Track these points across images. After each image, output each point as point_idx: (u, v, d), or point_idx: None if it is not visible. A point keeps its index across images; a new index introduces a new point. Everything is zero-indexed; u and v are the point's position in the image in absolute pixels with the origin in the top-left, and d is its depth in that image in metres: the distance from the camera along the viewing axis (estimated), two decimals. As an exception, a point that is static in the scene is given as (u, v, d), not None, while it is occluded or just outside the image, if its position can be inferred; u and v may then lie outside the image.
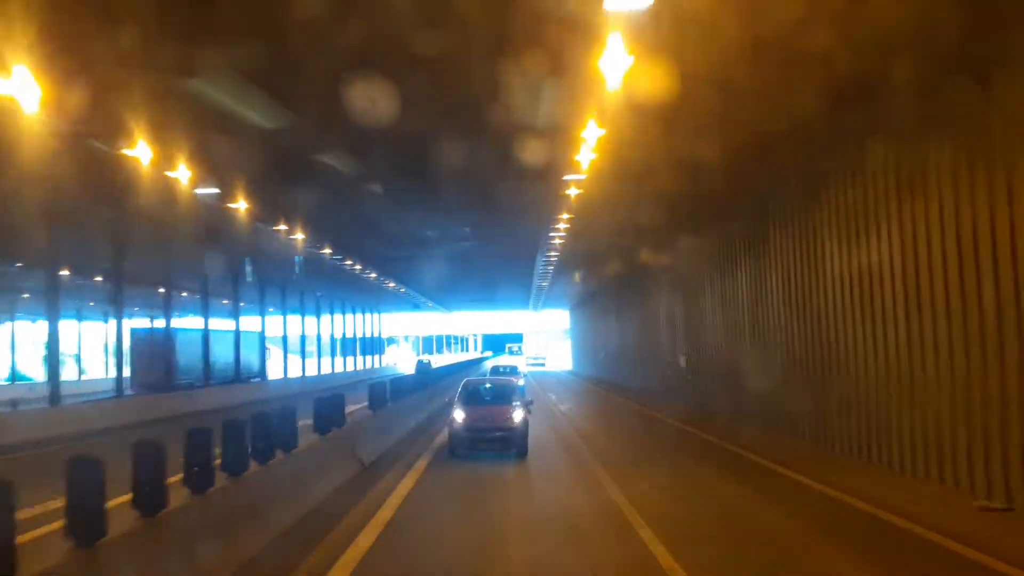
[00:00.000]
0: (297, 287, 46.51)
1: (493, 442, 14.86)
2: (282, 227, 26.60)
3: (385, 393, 17.49)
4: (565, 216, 23.55)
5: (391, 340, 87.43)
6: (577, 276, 44.79)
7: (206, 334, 36.82)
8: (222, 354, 39.26)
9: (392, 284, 49.87)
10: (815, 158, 14.69)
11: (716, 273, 22.86)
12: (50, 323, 24.84)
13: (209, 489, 7.38)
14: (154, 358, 33.01)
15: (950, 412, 10.62)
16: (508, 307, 72.86)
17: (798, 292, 16.44)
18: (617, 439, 19.89)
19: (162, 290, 35.99)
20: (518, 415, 15.12)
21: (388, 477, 12.93)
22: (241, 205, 21.86)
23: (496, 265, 41.73)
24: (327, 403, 12.92)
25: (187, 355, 36.20)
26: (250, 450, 8.73)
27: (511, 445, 14.90)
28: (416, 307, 69.18)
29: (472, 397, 15.97)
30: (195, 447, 7.32)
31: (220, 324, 43.44)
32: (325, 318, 57.84)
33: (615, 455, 16.29)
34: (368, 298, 61.35)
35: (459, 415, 15.15)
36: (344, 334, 63.32)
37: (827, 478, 11.92)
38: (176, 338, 36.05)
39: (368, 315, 69.97)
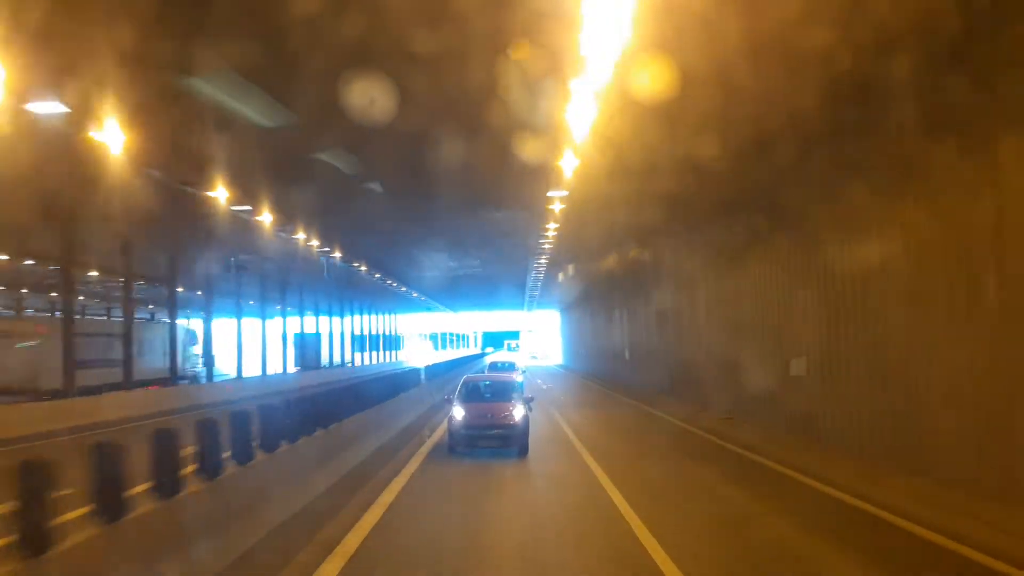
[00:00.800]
0: (344, 297, 60.30)
1: (493, 440, 14.78)
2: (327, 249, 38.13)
3: (434, 372, 30.16)
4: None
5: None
6: (560, 277, 55.39)
7: (331, 335, 58.09)
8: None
9: (415, 294, 64.83)
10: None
11: (643, 291, 34.15)
12: (238, 326, 38.30)
13: (368, 410, 17.11)
14: (308, 349, 53.94)
15: (719, 377, 22.31)
16: (506, 308, 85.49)
17: (675, 311, 28.26)
18: (569, 399, 32.65)
19: (252, 302, 49.71)
20: (518, 412, 15.02)
21: (441, 415, 24.76)
22: (304, 237, 32.63)
23: (496, 277, 53.95)
24: (411, 374, 25.33)
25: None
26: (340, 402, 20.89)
27: (511, 443, 14.84)
28: (429, 309, 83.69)
29: (471, 394, 16.01)
30: (364, 391, 17.75)
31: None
32: (355, 320, 71.01)
33: (565, 405, 28.51)
34: (393, 303, 75.37)
35: (458, 412, 15.01)
36: (378, 333, 79.69)
37: (664, 409, 24.26)
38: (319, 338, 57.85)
39: (391, 316, 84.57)
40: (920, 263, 11.11)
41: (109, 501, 5.68)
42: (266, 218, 26.37)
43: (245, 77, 14.07)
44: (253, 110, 15.67)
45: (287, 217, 27.27)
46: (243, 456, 8.66)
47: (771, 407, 17.25)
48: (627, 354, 39.39)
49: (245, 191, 22.01)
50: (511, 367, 32.76)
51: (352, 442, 14.07)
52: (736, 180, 16.96)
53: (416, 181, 21.81)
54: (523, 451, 14.98)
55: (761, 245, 17.98)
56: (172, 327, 34.24)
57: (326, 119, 15.67)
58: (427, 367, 31.72)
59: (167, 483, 6.59)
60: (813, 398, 14.92)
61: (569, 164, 18.46)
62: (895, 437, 11.95)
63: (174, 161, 18.16)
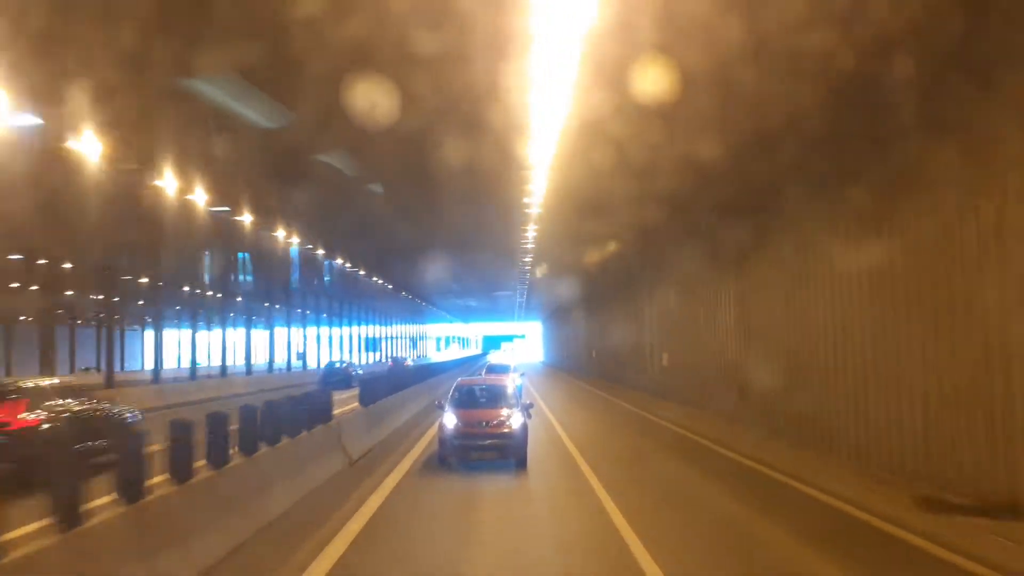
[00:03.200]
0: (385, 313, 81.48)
1: (488, 450, 13.27)
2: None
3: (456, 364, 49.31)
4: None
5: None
6: (539, 296, 77.74)
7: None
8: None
9: (439, 311, 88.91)
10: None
11: (596, 308, 49.26)
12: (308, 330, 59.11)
13: (415, 385, 28.65)
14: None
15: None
16: (502, 319, 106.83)
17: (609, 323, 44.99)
18: (540, 380, 49.92)
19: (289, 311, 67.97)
20: (516, 420, 13.43)
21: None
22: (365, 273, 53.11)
23: (496, 297, 73.29)
24: (459, 363, 44.19)
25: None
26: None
27: (508, 454, 13.26)
28: (449, 321, 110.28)
29: (465, 400, 14.38)
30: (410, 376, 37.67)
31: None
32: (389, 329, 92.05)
33: (536, 383, 45.36)
34: (420, 318, 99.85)
35: (450, 420, 13.37)
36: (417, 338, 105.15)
37: (609, 391, 41.02)
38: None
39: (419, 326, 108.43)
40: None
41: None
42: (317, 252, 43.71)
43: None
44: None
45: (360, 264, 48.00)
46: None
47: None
48: (564, 351, 63.16)
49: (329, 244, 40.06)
50: (507, 369, 33.68)
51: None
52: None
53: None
54: (521, 463, 13.35)
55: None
56: None
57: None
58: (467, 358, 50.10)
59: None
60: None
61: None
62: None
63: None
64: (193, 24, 11.32)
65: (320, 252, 44.94)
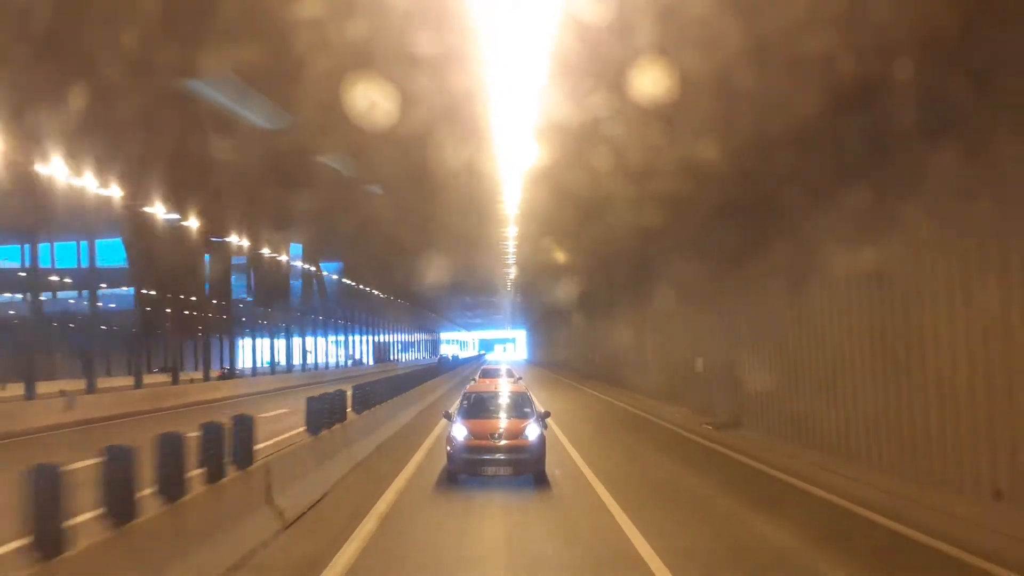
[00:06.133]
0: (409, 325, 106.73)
1: (501, 465, 11.92)
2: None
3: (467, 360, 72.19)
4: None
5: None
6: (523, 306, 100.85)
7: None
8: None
9: (448, 322, 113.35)
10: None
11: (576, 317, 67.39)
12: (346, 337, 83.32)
13: (441, 375, 50.27)
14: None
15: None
16: (496, 328, 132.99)
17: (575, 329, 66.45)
18: (524, 371, 68.49)
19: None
20: (532, 431, 12.26)
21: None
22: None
23: (492, 316, 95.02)
24: (475, 359, 68.92)
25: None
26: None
27: (524, 468, 12.03)
28: (457, 330, 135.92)
29: (475, 409, 13.16)
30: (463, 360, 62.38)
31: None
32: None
33: (510, 364, 64.70)
34: (435, 328, 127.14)
35: (459, 431, 12.28)
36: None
37: (551, 369, 64.59)
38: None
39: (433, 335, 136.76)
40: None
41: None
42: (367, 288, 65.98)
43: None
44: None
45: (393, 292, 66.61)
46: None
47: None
48: (544, 352, 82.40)
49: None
50: (499, 373, 33.10)
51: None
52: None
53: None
54: (539, 478, 12.09)
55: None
56: None
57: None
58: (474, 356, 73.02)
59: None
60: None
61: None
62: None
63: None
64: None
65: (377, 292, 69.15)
